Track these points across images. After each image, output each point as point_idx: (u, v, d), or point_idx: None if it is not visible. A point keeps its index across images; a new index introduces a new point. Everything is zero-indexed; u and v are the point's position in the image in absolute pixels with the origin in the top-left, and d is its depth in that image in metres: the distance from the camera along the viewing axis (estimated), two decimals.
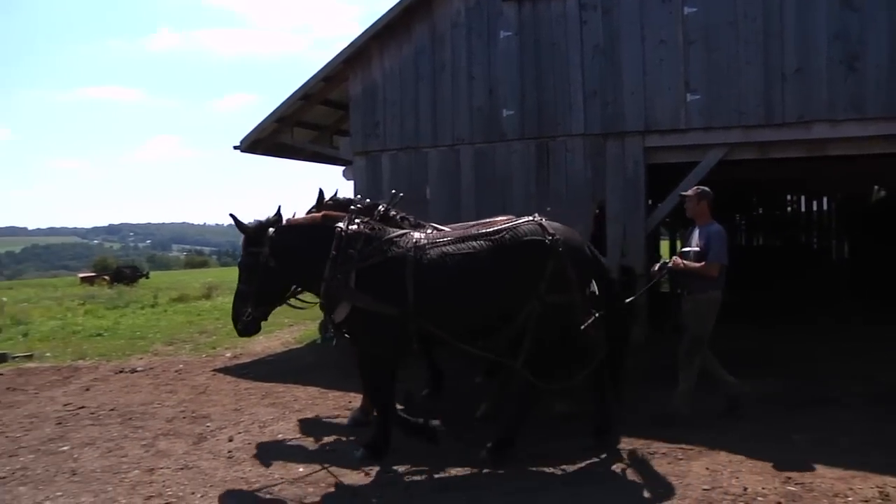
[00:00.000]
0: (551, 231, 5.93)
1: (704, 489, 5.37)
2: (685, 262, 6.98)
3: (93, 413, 8.30)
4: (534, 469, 5.88)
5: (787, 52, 9.92)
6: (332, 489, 5.59)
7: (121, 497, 5.50)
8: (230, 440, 6.89)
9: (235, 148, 13.47)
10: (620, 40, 10.74)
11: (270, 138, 13.58)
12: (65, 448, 6.88)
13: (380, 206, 7.47)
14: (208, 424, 7.57)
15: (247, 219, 6.52)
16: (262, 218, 6.44)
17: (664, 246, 22.96)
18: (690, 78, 10.38)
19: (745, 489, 5.34)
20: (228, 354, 11.29)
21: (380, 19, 11.89)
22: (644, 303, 10.42)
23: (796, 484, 5.41)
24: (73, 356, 12.49)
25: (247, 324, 6.37)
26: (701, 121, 10.36)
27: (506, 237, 5.93)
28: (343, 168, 13.48)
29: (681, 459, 6.03)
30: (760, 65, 10.04)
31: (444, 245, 6.00)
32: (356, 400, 8.22)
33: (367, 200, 7.87)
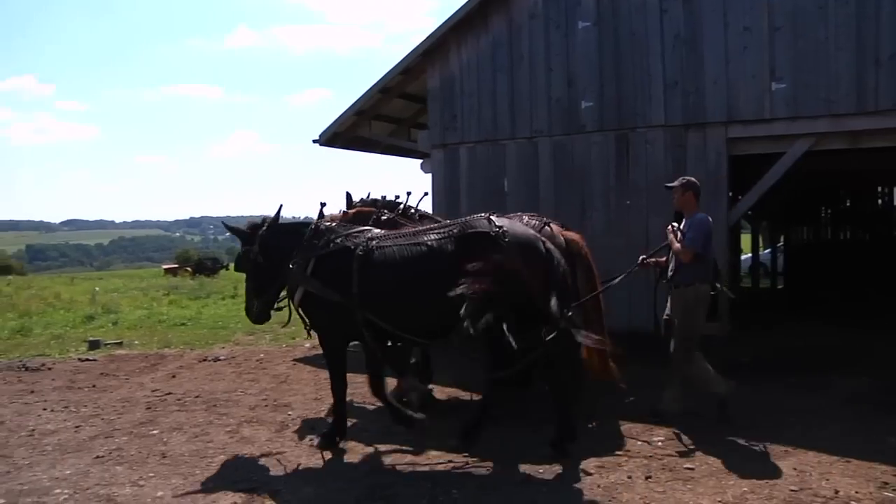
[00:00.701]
0: (498, 224, 5.85)
1: (792, 490, 5.21)
2: (657, 258, 6.95)
3: (179, 399, 8.57)
4: (613, 460, 5.82)
5: (882, 35, 9.50)
6: (412, 477, 5.64)
7: (209, 481, 5.66)
8: (312, 428, 7.01)
9: (314, 142, 13.69)
10: (702, 28, 10.48)
11: (349, 132, 13.75)
12: (154, 432, 7.13)
13: (401, 204, 8.25)
14: (290, 413, 7.73)
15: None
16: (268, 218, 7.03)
17: (745, 240, 22.33)
18: (776, 65, 10.06)
19: (837, 492, 5.15)
20: (308, 345, 11.48)
21: (457, 11, 11.88)
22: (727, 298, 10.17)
23: (894, 490, 5.19)
24: (159, 344, 12.94)
25: (257, 314, 6.97)
26: (787, 110, 10.03)
27: (454, 231, 6.00)
28: (421, 161, 13.56)
29: (767, 459, 5.87)
30: (852, 50, 9.65)
31: (397, 240, 6.21)
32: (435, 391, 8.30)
33: (390, 198, 8.46)
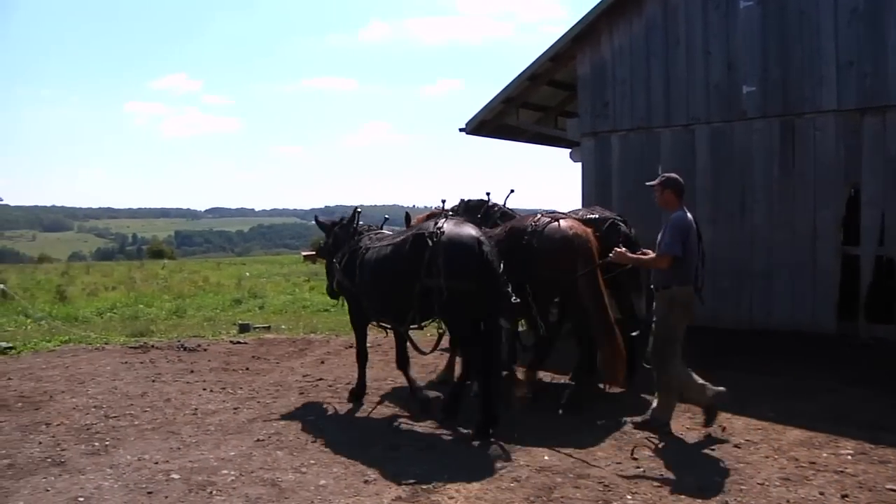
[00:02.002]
0: (438, 228, 6.54)
1: None
2: (632, 253, 6.54)
3: (330, 385, 8.64)
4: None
5: None
6: (584, 479, 5.36)
7: (369, 471, 5.58)
8: (470, 422, 6.84)
9: (461, 130, 13.58)
10: (884, 2, 9.60)
11: (496, 120, 13.56)
12: (311, 418, 7.16)
13: (488, 203, 8.83)
14: None
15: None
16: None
17: None
18: None
19: None
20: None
21: None
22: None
23: None
24: (305, 329, 13.21)
25: (329, 292, 8.82)
26: None
27: (409, 235, 6.89)
28: (570, 150, 13.22)
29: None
30: None
31: (380, 242, 7.34)
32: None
33: (477, 200, 9.00)
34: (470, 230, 6.58)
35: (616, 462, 5.74)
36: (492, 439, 6.26)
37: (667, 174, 6.81)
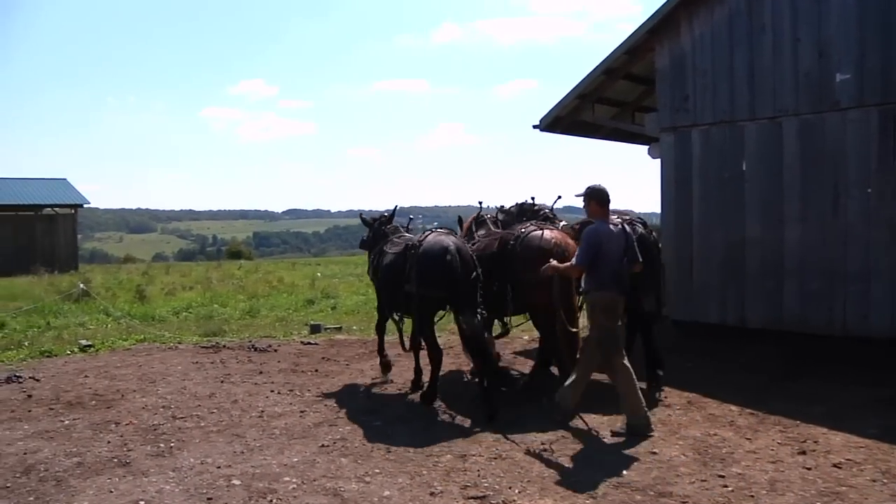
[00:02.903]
0: (420, 239, 7.72)
1: None
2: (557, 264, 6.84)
3: (400, 389, 8.40)
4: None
5: None
6: (666, 498, 4.96)
7: (436, 482, 5.31)
8: (542, 431, 6.50)
9: (535, 127, 13.21)
10: None
11: (570, 116, 13.13)
12: (378, 423, 6.93)
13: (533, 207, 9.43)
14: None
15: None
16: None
17: None
18: None
19: None
20: (526, 337, 11.04)
21: None
22: None
23: None
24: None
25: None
26: None
27: (407, 243, 7.92)
28: (648, 146, 12.70)
29: None
30: None
31: (392, 246, 8.24)
32: (670, 395, 7.54)
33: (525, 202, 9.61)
34: (442, 244, 7.36)
35: (701, 479, 5.30)
36: (556, 449, 5.90)
37: (590, 185, 6.86)
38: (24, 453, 6.23)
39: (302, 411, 7.45)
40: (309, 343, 11.78)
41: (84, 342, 11.64)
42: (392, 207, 9.29)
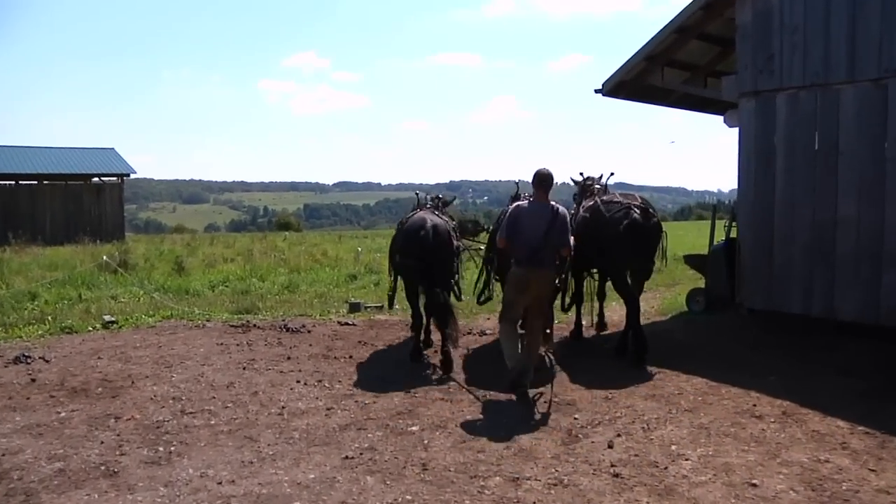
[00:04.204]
0: (406, 217, 8.83)
1: None
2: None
3: (442, 384, 7.37)
4: None
5: None
6: None
7: None
8: (609, 446, 5.40)
9: (597, 91, 11.99)
10: None
11: (636, 80, 11.86)
12: (414, 428, 5.91)
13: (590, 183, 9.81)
14: (576, 417, 6.18)
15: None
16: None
17: None
18: None
19: None
20: (584, 322, 9.91)
21: None
22: None
23: None
24: None
25: None
26: None
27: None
28: (724, 114, 11.40)
29: None
30: None
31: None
32: (759, 402, 6.39)
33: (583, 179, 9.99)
34: (421, 221, 8.18)
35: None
36: (629, 475, 4.81)
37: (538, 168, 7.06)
38: (3, 454, 5.38)
39: (329, 409, 6.47)
40: (346, 323, 10.83)
41: (108, 318, 10.87)
42: (442, 182, 9.59)
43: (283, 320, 10.98)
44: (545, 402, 6.63)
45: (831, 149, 9.45)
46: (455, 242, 8.50)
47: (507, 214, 7.12)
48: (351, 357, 8.59)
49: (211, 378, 7.54)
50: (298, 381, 7.40)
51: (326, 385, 7.28)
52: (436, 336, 8.72)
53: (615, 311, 10.78)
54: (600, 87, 12.02)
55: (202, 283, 15.87)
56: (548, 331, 8.09)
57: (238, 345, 9.24)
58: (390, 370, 7.94)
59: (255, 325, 10.60)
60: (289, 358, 8.50)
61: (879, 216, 9.02)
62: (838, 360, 8.02)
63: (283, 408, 6.50)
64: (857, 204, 9.20)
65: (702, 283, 11.94)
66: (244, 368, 7.98)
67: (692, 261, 12.14)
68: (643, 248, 8.36)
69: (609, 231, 8.15)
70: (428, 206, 9.45)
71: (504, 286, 7.94)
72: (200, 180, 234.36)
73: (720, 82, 11.17)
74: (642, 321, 10.65)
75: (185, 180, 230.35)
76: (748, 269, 10.28)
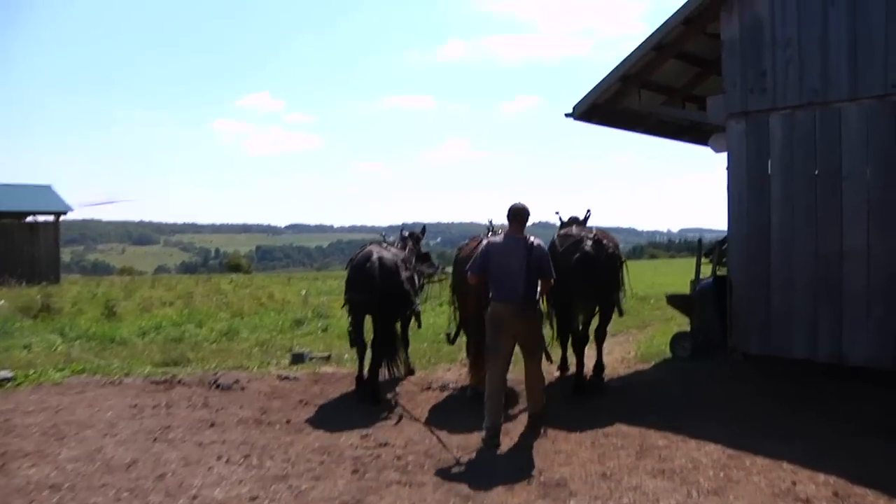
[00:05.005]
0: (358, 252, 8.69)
1: None
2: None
3: (399, 457, 5.98)
4: None
5: None
6: None
7: None
8: None
9: (567, 115, 10.88)
10: None
11: (611, 102, 10.77)
12: None
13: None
14: (571, 501, 4.84)
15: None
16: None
17: None
18: None
19: None
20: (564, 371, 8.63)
21: None
22: None
23: None
24: None
25: None
26: None
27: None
28: (711, 139, 10.37)
29: None
30: None
31: None
32: (798, 478, 5.13)
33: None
34: (370, 256, 8.15)
35: None
36: None
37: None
38: None
39: (253, 498, 5.04)
40: (287, 378, 9.37)
41: (2, 374, 9.25)
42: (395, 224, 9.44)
43: (215, 374, 9.49)
44: (528, 483, 5.29)
45: (834, 172, 8.42)
46: (405, 273, 8.37)
47: (480, 250, 6.79)
48: (289, 422, 7.15)
49: (110, 454, 6.03)
50: (220, 458, 5.94)
51: (255, 462, 5.84)
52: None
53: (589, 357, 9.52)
54: (570, 111, 10.90)
55: (132, 330, 14.23)
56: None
57: (155, 406, 7.73)
58: (335, 439, 6.52)
59: (180, 381, 9.09)
60: (213, 424, 7.02)
61: (893, 246, 7.98)
62: (868, 413, 6.83)
63: (193, 498, 5.05)
64: (867, 233, 8.16)
65: (678, 325, 10.83)
66: (155, 440, 6.48)
67: (676, 301, 10.96)
68: (596, 279, 7.91)
69: (562, 265, 7.46)
70: (387, 242, 9.30)
71: (467, 330, 8.15)
72: (150, 221, 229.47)
73: (698, 107, 10.13)
74: (622, 369, 9.51)
75: (134, 221, 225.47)
76: (742, 310, 9.17)
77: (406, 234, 9.99)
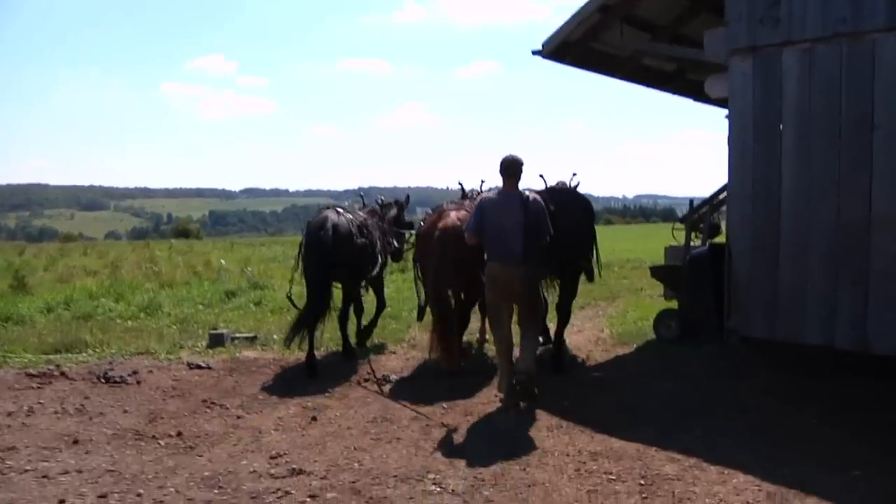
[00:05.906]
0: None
1: None
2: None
3: (315, 494, 4.35)
4: None
5: None
6: None
7: None
8: None
9: (535, 53, 9.18)
10: None
11: (586, 38, 9.11)
12: None
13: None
14: None
15: None
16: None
17: None
18: None
19: None
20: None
21: None
22: None
23: None
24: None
25: None
26: None
27: None
28: (707, 80, 8.78)
29: None
30: None
31: None
32: None
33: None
34: (323, 220, 7.94)
35: None
36: None
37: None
38: None
39: None
40: (197, 366, 7.73)
41: None
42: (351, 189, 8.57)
43: (109, 363, 7.80)
44: None
45: (864, 122, 6.89)
46: (361, 240, 8.12)
47: (475, 207, 6.52)
48: (180, 434, 5.47)
49: None
50: (62, 502, 4.24)
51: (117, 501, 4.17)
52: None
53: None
54: (539, 48, 9.22)
55: (37, 306, 12.35)
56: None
57: (11, 413, 5.99)
58: (235, 463, 4.87)
59: (62, 374, 7.36)
60: (76, 442, 5.30)
61: None
62: None
63: None
64: None
65: (649, 297, 9.40)
66: None
67: (661, 273, 9.46)
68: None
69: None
70: (348, 206, 9.01)
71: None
72: (101, 186, 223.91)
73: (706, 36, 8.48)
74: (599, 353, 8.18)
75: (83, 186, 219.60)
76: (744, 287, 7.68)
77: (383, 200, 9.88)
